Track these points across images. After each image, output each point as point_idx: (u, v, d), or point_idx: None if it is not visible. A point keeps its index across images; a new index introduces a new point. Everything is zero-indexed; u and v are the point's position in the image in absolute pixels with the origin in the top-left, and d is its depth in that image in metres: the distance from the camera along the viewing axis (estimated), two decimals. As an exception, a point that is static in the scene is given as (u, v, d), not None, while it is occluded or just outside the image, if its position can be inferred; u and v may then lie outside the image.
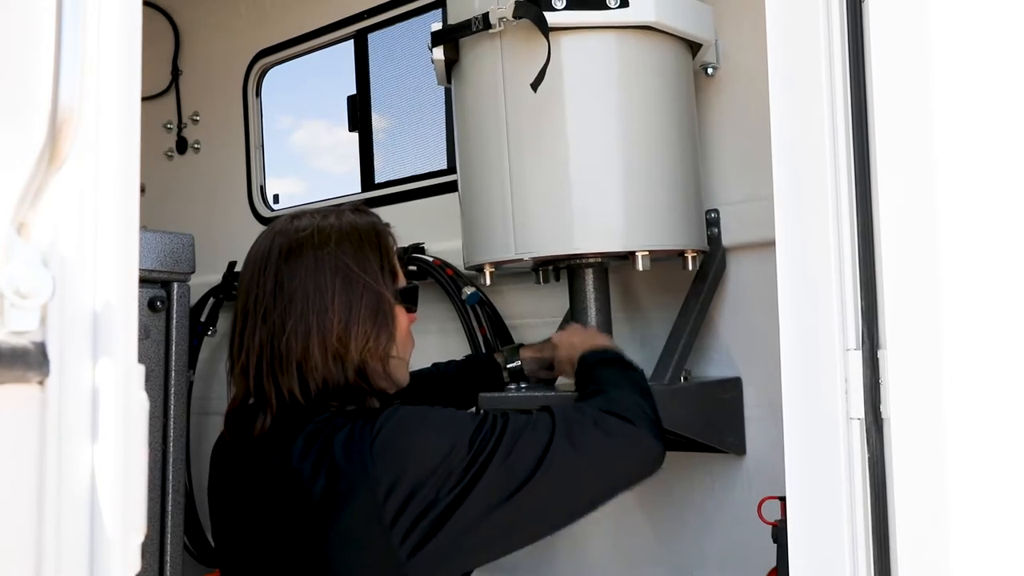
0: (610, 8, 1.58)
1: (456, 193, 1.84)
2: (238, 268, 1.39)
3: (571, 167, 1.61)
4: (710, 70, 1.91)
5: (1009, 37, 0.87)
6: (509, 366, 1.82)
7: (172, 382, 2.18)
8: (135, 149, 0.69)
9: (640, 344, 2.02)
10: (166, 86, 3.25)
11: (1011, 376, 0.85)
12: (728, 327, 1.92)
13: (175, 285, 2.21)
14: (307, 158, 3.39)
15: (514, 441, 1.24)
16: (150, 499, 2.09)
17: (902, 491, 0.90)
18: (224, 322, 2.77)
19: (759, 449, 1.86)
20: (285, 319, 1.30)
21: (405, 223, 2.39)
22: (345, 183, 2.89)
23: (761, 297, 1.79)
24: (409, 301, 1.44)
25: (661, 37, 1.67)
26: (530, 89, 1.53)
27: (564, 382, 1.86)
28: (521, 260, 1.66)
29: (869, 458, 0.94)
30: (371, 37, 2.74)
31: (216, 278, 2.80)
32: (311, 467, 1.22)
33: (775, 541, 1.54)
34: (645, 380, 1.48)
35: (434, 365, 1.87)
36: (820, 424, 0.96)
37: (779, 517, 1.53)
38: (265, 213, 2.99)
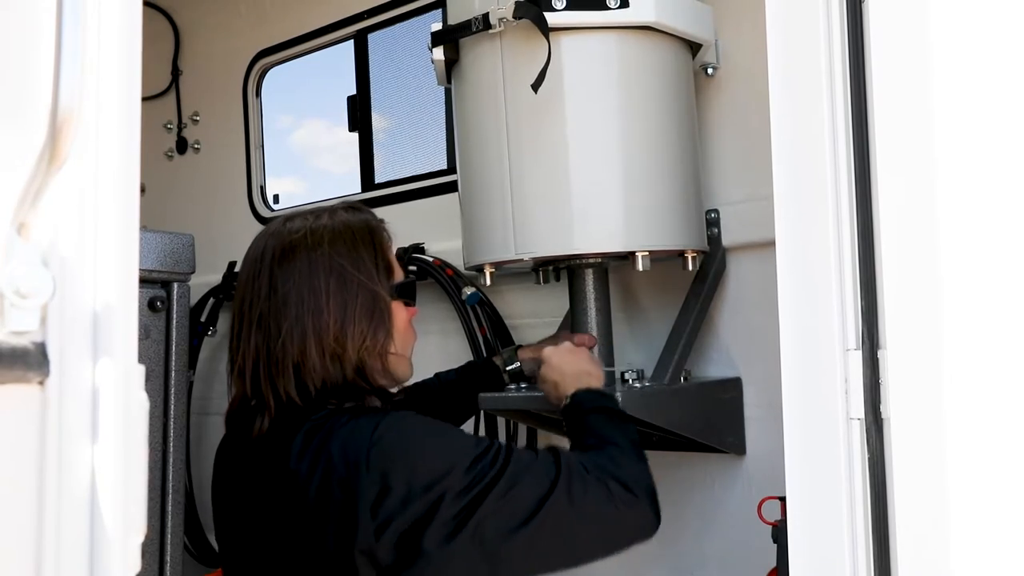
0: (610, 8, 1.58)
1: (456, 193, 1.84)
2: (238, 268, 1.39)
3: (571, 167, 1.61)
4: (710, 70, 1.91)
5: (1009, 37, 0.87)
6: (508, 368, 1.82)
7: (172, 382, 2.18)
8: (135, 149, 0.69)
9: (640, 344, 2.02)
10: (166, 86, 3.25)
11: (1011, 376, 0.85)
12: (728, 327, 1.92)
13: (175, 285, 2.21)
14: (307, 158, 3.39)
15: (514, 480, 1.21)
16: (150, 499, 2.09)
17: (902, 491, 0.90)
18: (224, 322, 2.77)
19: (759, 449, 1.86)
20: (280, 322, 1.30)
21: (405, 223, 2.39)
22: (345, 183, 2.89)
23: (761, 297, 1.79)
24: (406, 296, 1.43)
25: (661, 37, 1.68)
26: (530, 89, 1.53)
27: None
28: (521, 260, 1.66)
29: (869, 458, 0.94)
30: (371, 37, 2.74)
31: (216, 278, 2.80)
32: (307, 466, 1.21)
33: (775, 541, 1.54)
34: (637, 435, 1.43)
35: (436, 375, 1.87)
36: (820, 424, 0.96)
37: (779, 517, 1.53)
38: (265, 213, 2.99)
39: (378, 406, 1.33)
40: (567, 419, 1.51)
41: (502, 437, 2.17)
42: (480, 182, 1.72)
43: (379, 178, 2.73)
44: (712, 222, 1.88)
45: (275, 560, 1.27)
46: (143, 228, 1.96)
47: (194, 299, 2.69)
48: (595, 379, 1.55)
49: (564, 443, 2.01)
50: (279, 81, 3.06)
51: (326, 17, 2.79)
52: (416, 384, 1.75)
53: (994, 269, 0.86)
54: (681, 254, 1.72)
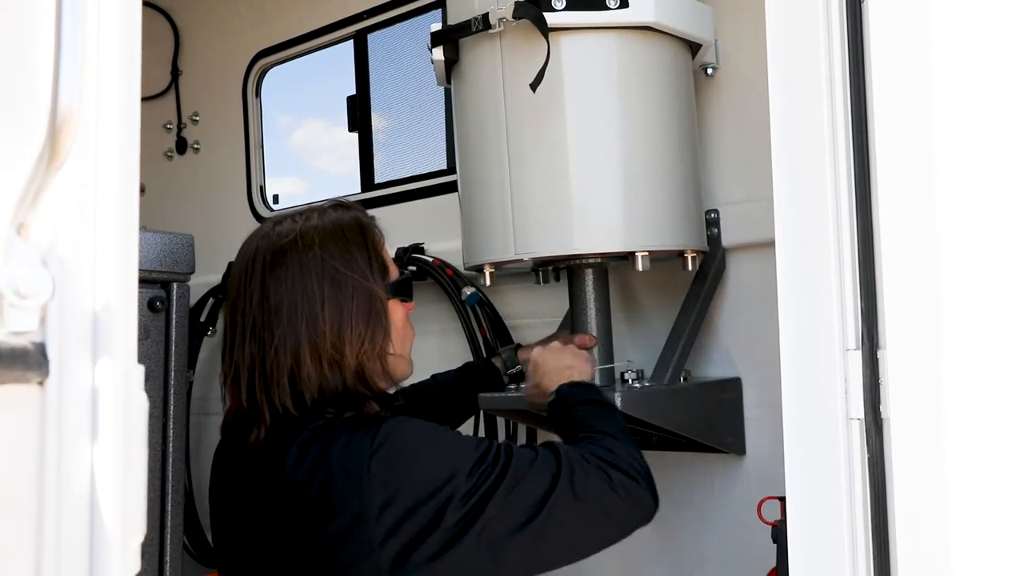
0: (610, 8, 1.58)
1: (456, 193, 1.84)
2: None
3: (571, 167, 1.61)
4: (710, 70, 1.91)
5: (1008, 38, 0.87)
6: (510, 371, 1.82)
7: (172, 382, 2.18)
8: (135, 149, 0.69)
9: (640, 344, 2.02)
10: (166, 86, 3.25)
11: (1010, 376, 0.85)
12: (728, 327, 1.92)
13: (175, 285, 2.21)
14: (307, 158, 3.39)
15: (518, 478, 1.21)
16: (150, 499, 2.09)
17: (902, 491, 0.90)
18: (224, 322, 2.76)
19: (759, 449, 1.86)
20: (273, 331, 1.27)
21: (405, 223, 2.41)
22: (345, 183, 2.89)
23: (761, 297, 1.79)
24: (403, 293, 1.40)
25: (661, 37, 1.68)
26: (529, 89, 1.53)
27: None
28: (521, 260, 1.66)
29: (869, 458, 0.94)
30: (371, 37, 2.74)
31: (216, 278, 2.80)
32: (305, 475, 1.20)
33: (775, 541, 1.54)
34: (623, 421, 1.45)
35: (433, 377, 1.86)
36: (820, 424, 0.96)
37: (779, 517, 1.53)
38: (265, 213, 2.99)
39: (376, 413, 1.30)
40: (553, 415, 1.50)
41: (502, 437, 2.17)
42: (480, 182, 1.72)
43: (379, 178, 2.73)
44: (712, 222, 1.88)
45: (269, 566, 1.27)
46: (143, 228, 1.96)
47: (194, 299, 2.69)
48: (577, 372, 1.55)
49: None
50: (279, 81, 3.06)
51: (326, 17, 2.79)
52: (414, 386, 1.75)
53: (994, 269, 0.86)
54: (681, 254, 1.72)
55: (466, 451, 1.22)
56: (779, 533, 1.52)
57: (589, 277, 1.79)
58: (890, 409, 0.92)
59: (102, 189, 0.66)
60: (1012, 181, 0.86)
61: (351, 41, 2.78)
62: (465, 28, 1.66)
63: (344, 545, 1.17)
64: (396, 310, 1.38)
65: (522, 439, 2.18)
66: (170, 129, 3.26)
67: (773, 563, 1.58)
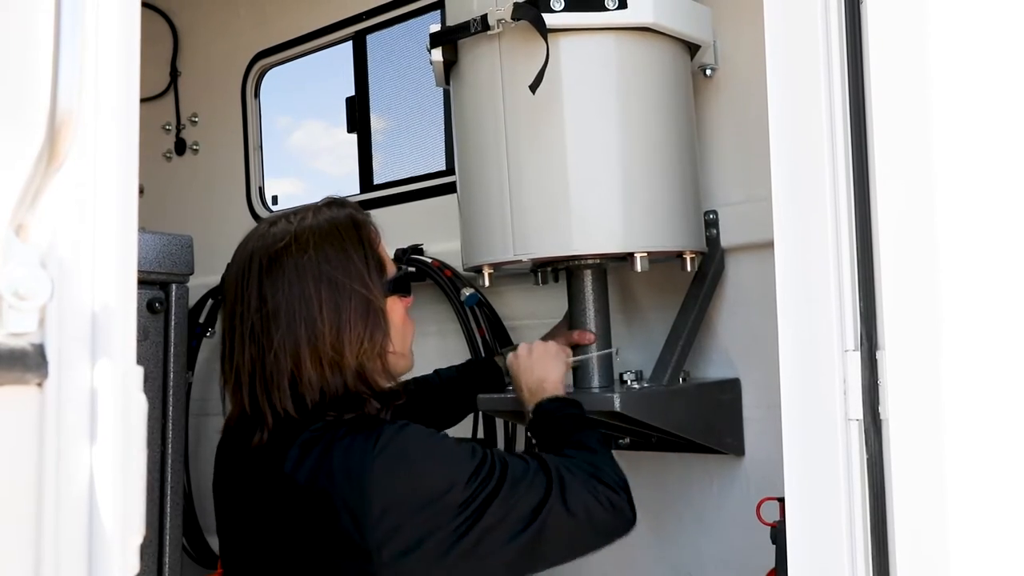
0: (608, 9, 1.58)
1: (455, 194, 1.84)
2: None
3: (569, 168, 1.61)
4: (709, 71, 1.91)
5: (1007, 38, 0.87)
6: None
7: (171, 383, 2.18)
8: (134, 150, 0.69)
9: (639, 345, 2.02)
10: (165, 87, 3.25)
11: (1009, 377, 0.85)
12: (727, 328, 1.92)
13: (174, 286, 2.20)
14: (306, 159, 3.39)
15: (513, 489, 1.24)
16: (149, 500, 2.09)
17: (901, 492, 0.90)
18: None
19: (758, 450, 1.86)
20: (272, 336, 1.27)
21: (404, 224, 2.41)
22: (344, 184, 2.89)
23: (760, 298, 1.79)
24: (401, 289, 1.40)
25: (659, 38, 1.68)
26: (528, 90, 1.53)
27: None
28: (520, 261, 1.66)
29: (868, 459, 0.94)
30: (370, 38, 2.74)
31: (215, 279, 2.79)
32: (305, 477, 1.20)
33: (774, 542, 1.54)
34: (601, 434, 1.50)
35: (435, 372, 1.86)
36: (819, 425, 0.96)
37: (778, 518, 1.53)
38: (264, 214, 2.99)
39: (376, 416, 1.31)
40: (535, 433, 1.51)
41: (501, 437, 2.17)
42: (479, 183, 1.72)
43: (378, 179, 2.73)
44: (711, 223, 1.88)
45: (269, 565, 1.27)
46: (141, 229, 1.96)
47: (192, 300, 2.68)
48: (549, 383, 1.55)
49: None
50: (278, 82, 3.06)
51: (325, 18, 2.79)
52: (416, 380, 1.75)
53: (993, 270, 0.86)
54: (680, 255, 1.72)
55: (464, 460, 1.24)
56: (778, 534, 1.52)
57: (588, 278, 1.79)
58: (889, 410, 0.92)
59: (101, 190, 0.66)
60: (1011, 182, 0.86)
61: (350, 42, 2.78)
62: (464, 29, 1.66)
63: (343, 546, 1.17)
64: (395, 307, 1.38)
65: (521, 440, 2.18)
66: (169, 130, 3.26)
67: (772, 564, 1.58)
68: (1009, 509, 0.85)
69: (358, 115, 2.77)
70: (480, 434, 2.15)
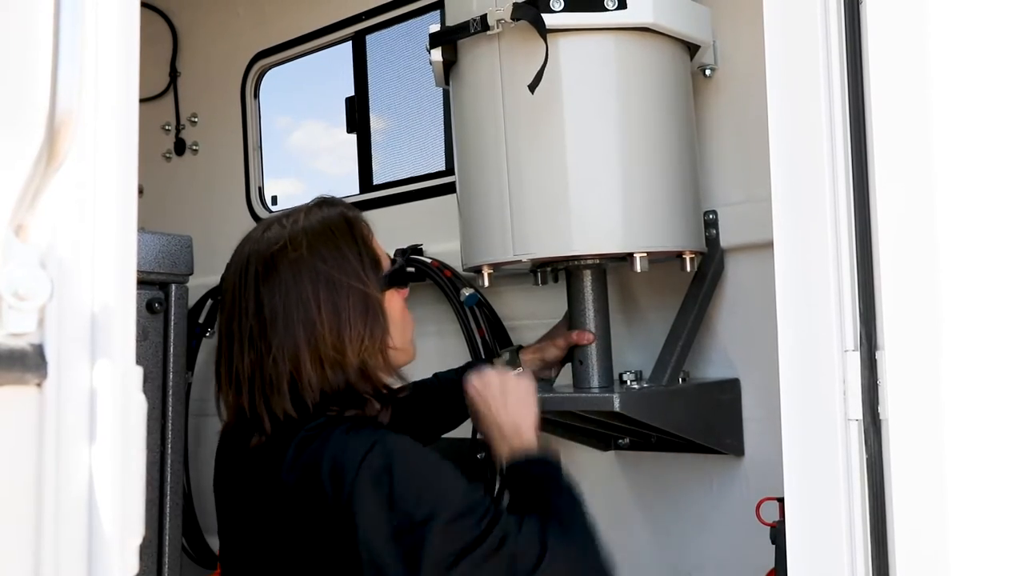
0: (608, 10, 1.58)
1: (454, 194, 1.84)
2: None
3: (569, 168, 1.61)
4: (708, 71, 1.91)
5: (1007, 38, 0.87)
6: (515, 374, 1.81)
7: (170, 384, 2.18)
8: (133, 150, 0.69)
9: (639, 345, 2.02)
10: (164, 88, 3.25)
11: (1009, 377, 0.85)
12: (726, 328, 1.92)
13: (173, 287, 2.20)
14: (305, 159, 3.39)
15: (495, 547, 1.13)
16: (148, 501, 2.09)
17: (900, 492, 0.90)
18: (222, 324, 2.76)
19: (757, 450, 1.86)
20: (270, 340, 1.27)
21: (403, 224, 2.41)
22: (343, 184, 2.89)
23: (759, 298, 1.79)
24: (398, 283, 1.40)
25: (659, 39, 1.68)
26: (528, 91, 1.53)
27: (562, 384, 1.87)
28: (519, 261, 1.66)
29: (867, 459, 0.94)
30: (369, 38, 2.74)
31: (214, 279, 2.77)
32: (296, 479, 1.20)
33: (773, 542, 1.54)
34: (580, 495, 1.32)
35: (435, 376, 1.86)
36: (818, 425, 0.96)
37: (777, 518, 1.54)
38: (263, 214, 2.99)
39: (376, 419, 1.30)
40: (511, 489, 1.36)
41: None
42: (478, 183, 1.72)
43: (377, 179, 2.73)
44: (710, 223, 1.88)
45: (263, 564, 1.27)
46: (141, 229, 1.96)
47: (192, 300, 2.68)
48: (526, 430, 1.41)
49: (562, 444, 2.01)
50: (277, 82, 3.06)
51: (324, 18, 2.79)
52: (415, 384, 1.75)
53: (992, 270, 0.86)
54: (679, 255, 1.72)
55: (451, 499, 1.17)
56: (778, 534, 1.53)
57: (588, 278, 1.79)
58: (888, 410, 0.92)
59: (100, 190, 0.66)
60: (1010, 182, 0.86)
61: (350, 42, 2.78)
62: (463, 29, 1.66)
63: (325, 552, 1.18)
64: (392, 301, 1.38)
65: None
66: (168, 130, 3.26)
67: (771, 564, 1.58)
68: (1009, 509, 0.85)
69: (358, 115, 2.77)
70: (480, 435, 2.15)
